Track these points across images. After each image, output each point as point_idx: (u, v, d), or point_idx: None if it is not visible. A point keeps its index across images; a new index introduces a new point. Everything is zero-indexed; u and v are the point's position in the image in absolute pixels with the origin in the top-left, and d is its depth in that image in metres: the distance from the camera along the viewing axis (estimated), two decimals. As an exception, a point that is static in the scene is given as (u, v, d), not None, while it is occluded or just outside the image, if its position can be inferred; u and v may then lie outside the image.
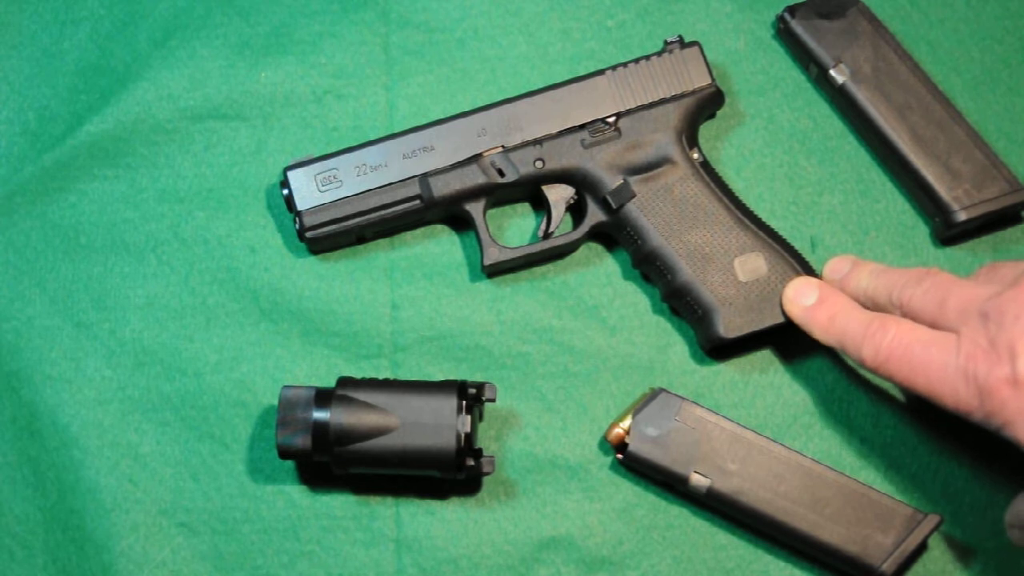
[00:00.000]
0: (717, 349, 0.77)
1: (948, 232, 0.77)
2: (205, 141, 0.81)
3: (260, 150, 0.81)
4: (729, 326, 0.74)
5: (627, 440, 0.73)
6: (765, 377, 0.77)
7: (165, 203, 0.80)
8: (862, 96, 0.78)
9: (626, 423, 0.74)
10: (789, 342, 0.77)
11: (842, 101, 0.79)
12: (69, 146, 0.81)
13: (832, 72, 0.79)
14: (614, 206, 0.76)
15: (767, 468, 0.73)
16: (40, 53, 0.83)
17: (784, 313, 0.74)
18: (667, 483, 0.74)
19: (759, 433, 0.74)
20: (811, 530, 0.72)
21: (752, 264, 0.75)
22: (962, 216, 0.76)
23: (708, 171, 0.77)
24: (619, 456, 0.75)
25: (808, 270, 0.75)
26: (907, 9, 0.81)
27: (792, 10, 0.80)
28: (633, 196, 0.76)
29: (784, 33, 0.81)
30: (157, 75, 0.82)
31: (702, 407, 0.74)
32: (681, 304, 0.76)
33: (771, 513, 0.72)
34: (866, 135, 0.79)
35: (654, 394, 0.74)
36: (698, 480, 0.72)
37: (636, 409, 0.74)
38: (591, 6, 0.82)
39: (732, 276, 0.75)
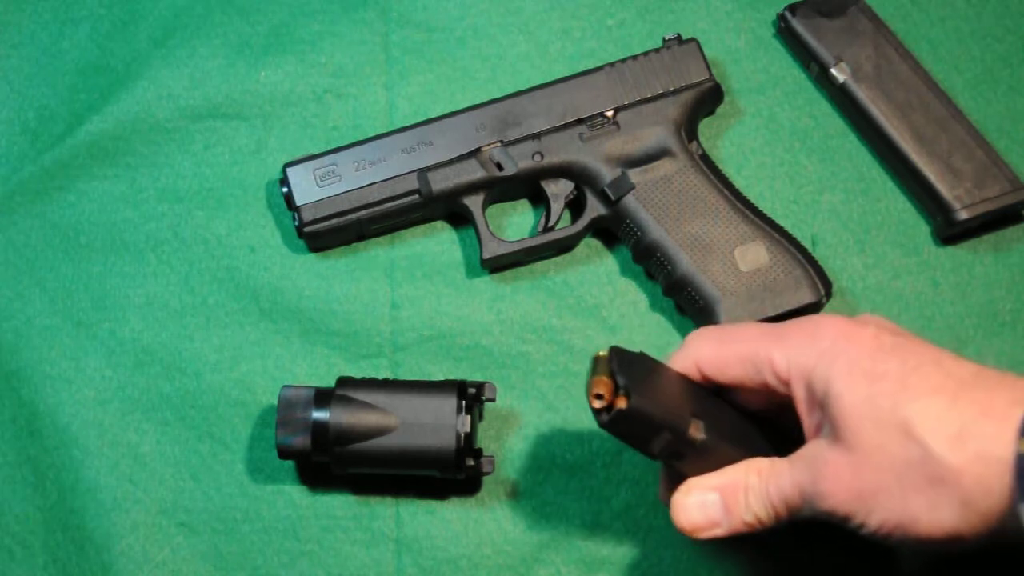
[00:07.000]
0: (719, 341, 0.76)
1: (949, 231, 0.77)
2: (205, 140, 0.81)
3: (260, 149, 0.81)
4: (731, 316, 0.74)
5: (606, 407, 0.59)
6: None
7: (165, 202, 0.81)
8: (863, 95, 0.78)
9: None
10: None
11: (843, 100, 0.79)
12: (69, 146, 0.81)
13: (833, 71, 0.78)
14: (613, 198, 0.76)
15: None
16: (40, 53, 0.84)
17: None
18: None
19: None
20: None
21: (753, 254, 0.75)
22: (963, 215, 0.76)
23: (707, 163, 0.77)
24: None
25: (810, 259, 0.75)
26: (908, 7, 0.81)
27: (793, 8, 0.80)
28: (632, 188, 0.76)
29: (785, 31, 0.81)
30: (157, 74, 0.82)
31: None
32: (682, 296, 0.76)
33: None
34: (867, 134, 0.79)
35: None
36: None
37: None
38: (591, 5, 0.82)
39: (733, 266, 0.75)
